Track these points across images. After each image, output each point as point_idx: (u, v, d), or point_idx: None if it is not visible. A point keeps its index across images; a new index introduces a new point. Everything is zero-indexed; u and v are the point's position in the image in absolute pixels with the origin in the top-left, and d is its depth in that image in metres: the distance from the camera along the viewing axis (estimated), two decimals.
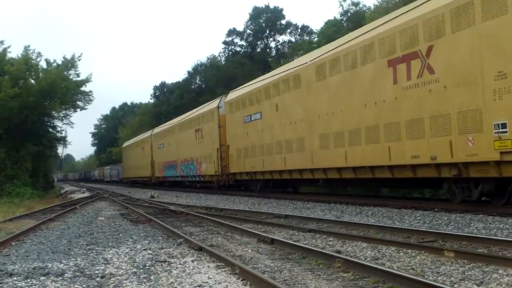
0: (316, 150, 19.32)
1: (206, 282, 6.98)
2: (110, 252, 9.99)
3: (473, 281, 6.31)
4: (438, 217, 12.92)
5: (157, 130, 50.18)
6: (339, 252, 8.77)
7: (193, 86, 74.29)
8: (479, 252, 8.06)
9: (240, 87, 30.19)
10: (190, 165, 36.81)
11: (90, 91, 43.88)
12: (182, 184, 42.25)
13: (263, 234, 11.06)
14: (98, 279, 7.49)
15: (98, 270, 8.12)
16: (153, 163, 48.69)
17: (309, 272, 7.32)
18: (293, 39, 68.50)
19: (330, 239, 10.55)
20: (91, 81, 43.16)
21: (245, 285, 6.77)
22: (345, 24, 44.67)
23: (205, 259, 8.78)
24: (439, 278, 6.63)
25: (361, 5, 45.99)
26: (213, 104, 32.68)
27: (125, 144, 67.68)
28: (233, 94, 29.81)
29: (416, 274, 6.83)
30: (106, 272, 7.90)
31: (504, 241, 8.65)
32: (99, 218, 17.82)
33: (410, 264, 7.57)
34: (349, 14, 45.68)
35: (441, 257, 7.91)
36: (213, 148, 31.20)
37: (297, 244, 9.48)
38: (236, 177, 28.81)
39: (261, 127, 24.53)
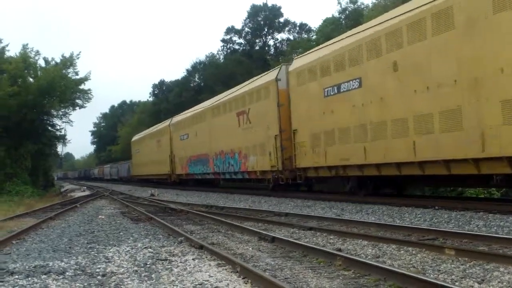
0: (496, 126, 11.92)
1: (207, 281, 6.98)
2: (111, 250, 10.00)
3: (474, 279, 6.33)
4: (439, 215, 12.93)
5: (178, 118, 41.78)
6: (340, 250, 8.79)
7: (192, 84, 74.32)
8: (480, 250, 8.06)
9: (315, 48, 22.37)
10: (229, 159, 28.82)
11: (89, 89, 43.91)
12: (215, 183, 36.73)
13: (263, 232, 11.06)
14: (99, 277, 7.49)
15: (99, 268, 8.13)
16: (172, 157, 41.15)
17: (310, 270, 7.33)
18: (291, 37, 68.55)
19: (331, 237, 10.56)
20: (90, 79, 43.23)
21: (246, 283, 6.78)
22: (343, 22, 44.69)
23: (206, 257, 8.79)
24: (440, 276, 6.64)
25: (359, 3, 46.06)
26: (269, 76, 24.55)
27: (135, 137, 60.08)
28: (304, 59, 21.21)
29: (417, 272, 6.84)
30: (107, 271, 7.91)
31: (505, 239, 8.67)
32: (100, 216, 17.83)
33: (411, 262, 7.58)
34: (347, 12, 45.71)
35: (442, 255, 7.92)
36: (268, 136, 23.49)
37: (298, 242, 9.49)
38: (307, 173, 21.06)
39: (360, 100, 16.77)
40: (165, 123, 45.02)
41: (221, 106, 30.21)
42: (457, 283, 6.16)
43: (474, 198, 18.40)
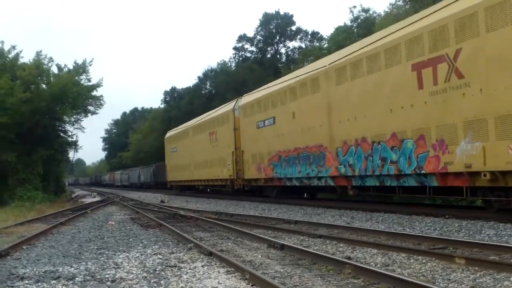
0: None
1: (216, 287, 6.99)
2: (120, 256, 10.03)
3: None
4: (449, 223, 12.86)
5: (249, 97, 28.90)
6: (349, 258, 8.76)
7: (203, 92, 74.45)
8: (490, 259, 8.01)
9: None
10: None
11: (101, 96, 44.07)
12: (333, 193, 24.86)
13: (273, 239, 11.04)
14: (108, 283, 7.52)
15: (108, 274, 8.16)
16: (239, 155, 29.00)
17: (319, 278, 7.31)
18: (303, 45, 68.50)
19: (340, 245, 10.53)
20: (102, 85, 43.38)
21: None
22: (355, 30, 44.66)
23: (215, 264, 8.79)
24: (450, 285, 6.60)
25: (371, 12, 46.01)
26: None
27: (171, 133, 48.92)
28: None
29: (427, 281, 6.80)
30: (116, 277, 7.93)
31: None
32: (110, 222, 17.88)
33: (421, 271, 7.54)
34: (359, 20, 45.69)
35: (452, 264, 7.87)
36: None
37: (307, 250, 9.47)
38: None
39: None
40: (228, 106, 32.38)
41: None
42: None
43: (483, 207, 18.23)
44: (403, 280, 6.42)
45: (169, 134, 49.18)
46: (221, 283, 7.21)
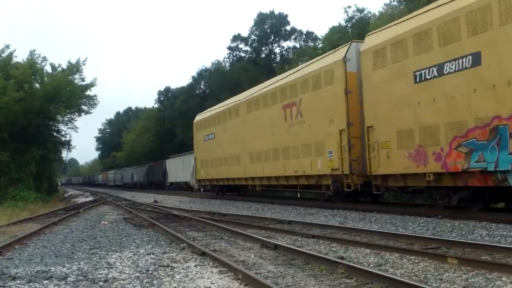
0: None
1: (209, 287, 6.98)
2: (113, 256, 10.00)
3: None
4: (442, 223, 12.90)
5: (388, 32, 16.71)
6: (342, 258, 8.77)
7: (197, 91, 74.41)
8: (482, 259, 8.04)
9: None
10: None
11: (95, 95, 43.90)
12: None
13: (266, 239, 11.05)
14: (101, 283, 7.49)
15: (101, 274, 8.13)
16: (355, 135, 18.24)
17: (312, 278, 7.31)
18: (297, 45, 68.54)
19: (333, 245, 10.55)
20: (95, 85, 43.22)
21: None
22: (350, 30, 44.75)
23: (208, 264, 8.78)
24: (442, 285, 6.62)
25: (366, 12, 46.11)
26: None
27: (204, 114, 36.04)
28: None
29: (419, 280, 6.82)
30: (109, 276, 7.91)
31: (508, 248, 8.64)
32: (103, 222, 17.83)
33: (413, 271, 7.56)
34: (353, 20, 45.77)
35: (444, 264, 7.89)
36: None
37: (300, 249, 9.48)
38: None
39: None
40: (323, 59, 20.86)
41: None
42: None
43: None
44: (396, 280, 6.43)
45: (201, 116, 36.17)
46: (214, 283, 7.20)
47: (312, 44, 63.97)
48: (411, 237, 10.65)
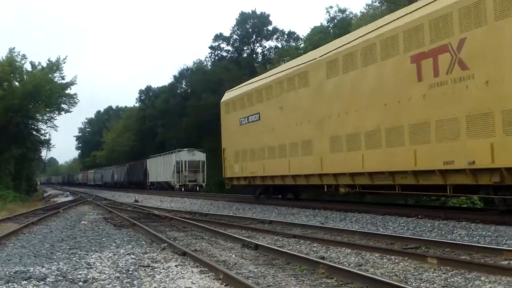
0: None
1: (190, 287, 6.95)
2: (93, 256, 9.92)
3: None
4: (422, 223, 12.99)
5: None
6: (323, 258, 8.79)
7: (179, 91, 74.17)
8: (461, 259, 8.11)
9: None
10: None
11: (75, 94, 43.71)
12: None
13: (247, 239, 11.04)
14: (80, 283, 7.42)
15: (80, 274, 8.06)
16: None
17: (292, 278, 7.32)
18: (279, 45, 68.67)
19: (314, 245, 10.57)
20: (76, 83, 43.04)
21: None
22: (331, 30, 44.90)
23: (189, 264, 8.74)
24: (422, 284, 6.66)
25: (347, 12, 46.30)
26: None
27: (237, 90, 27.36)
28: None
29: (399, 280, 6.85)
30: (88, 277, 7.84)
31: (487, 248, 8.74)
32: (82, 222, 17.69)
33: (394, 271, 7.60)
34: (335, 21, 45.94)
35: (424, 264, 7.95)
36: None
37: (281, 249, 9.48)
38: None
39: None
40: None
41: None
42: None
43: (457, 207, 18.50)
44: (376, 279, 6.46)
45: (234, 93, 27.31)
46: (194, 283, 7.18)
47: (294, 44, 64.12)
48: (392, 237, 10.72)
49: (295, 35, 68.58)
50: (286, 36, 69.74)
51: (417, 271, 7.51)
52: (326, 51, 18.48)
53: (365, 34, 16.27)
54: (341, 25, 43.40)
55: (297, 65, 20.48)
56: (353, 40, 16.81)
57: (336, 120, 17.30)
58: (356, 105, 16.26)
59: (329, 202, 20.66)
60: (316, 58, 18.82)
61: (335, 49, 17.76)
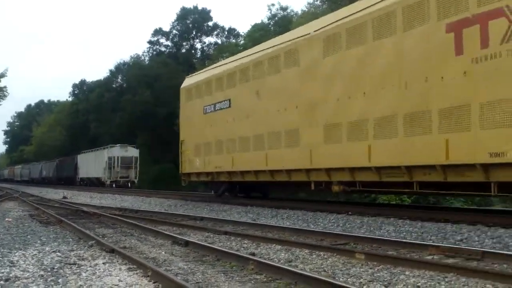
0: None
1: (117, 285, 6.79)
2: (16, 254, 9.54)
3: (381, 282, 6.47)
4: (351, 220, 13.23)
5: None
6: (253, 254, 8.79)
7: (114, 85, 72.78)
8: (388, 254, 8.29)
9: None
10: None
11: (5, 87, 42.16)
12: None
13: (177, 236, 10.92)
14: (1, 282, 7.12)
15: (2, 273, 7.72)
16: None
17: (222, 274, 7.28)
18: (219, 41, 68.47)
19: (245, 241, 10.57)
20: (6, 75, 41.50)
21: None
22: (272, 28, 45.16)
23: (117, 261, 8.55)
24: (349, 279, 6.75)
25: (289, 10, 46.66)
26: None
27: (200, 75, 24.42)
28: None
29: (328, 276, 6.93)
30: (11, 275, 7.53)
31: (412, 243, 8.98)
32: (7, 219, 17.02)
33: (322, 266, 7.68)
34: (276, 18, 46.22)
35: (352, 259, 8.07)
36: None
37: (211, 246, 9.43)
38: None
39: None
40: None
41: None
42: (365, 287, 6.28)
43: (386, 204, 18.98)
44: (305, 275, 6.51)
45: (197, 78, 24.31)
46: (122, 281, 7.02)
47: (234, 40, 64.09)
48: (321, 233, 10.86)
49: (235, 32, 68.62)
50: (226, 33, 69.63)
51: (345, 266, 7.62)
52: (322, 25, 15.74)
53: (380, 1, 13.54)
54: (282, 22, 43.71)
55: (282, 43, 17.52)
56: (361, 10, 14.11)
57: (334, 106, 14.68)
58: (363, 87, 13.70)
59: (260, 199, 20.68)
60: (309, 34, 16.09)
61: (335, 22, 15.10)
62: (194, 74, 25.96)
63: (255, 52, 19.42)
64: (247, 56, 20.17)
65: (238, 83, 19.58)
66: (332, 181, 15.15)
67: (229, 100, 20.18)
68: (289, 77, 16.66)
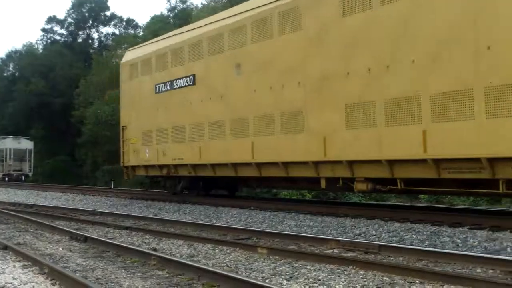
0: None
1: (11, 283, 6.46)
2: None
3: (283, 276, 6.56)
4: (254, 215, 13.35)
5: None
6: (155, 249, 8.67)
7: (5, 74, 69.17)
8: (290, 248, 8.42)
9: None
10: None
11: None
12: None
13: (76, 231, 10.56)
14: None
15: None
16: None
17: (123, 270, 7.11)
18: (117, 32, 66.75)
19: (147, 236, 10.40)
20: None
21: (54, 285, 6.39)
22: (172, 20, 44.75)
23: (11, 258, 8.16)
24: (251, 274, 6.79)
25: (188, 3, 46.43)
26: None
27: (149, 47, 20.13)
28: None
29: (230, 270, 6.94)
30: None
31: (313, 238, 9.18)
32: None
33: (225, 261, 7.68)
34: (176, 10, 45.86)
35: (254, 254, 8.14)
36: None
37: (111, 241, 9.22)
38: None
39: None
40: None
41: None
42: (267, 281, 6.33)
43: (287, 199, 19.31)
44: (207, 270, 6.49)
45: (145, 50, 20.19)
46: (16, 279, 6.69)
47: (132, 31, 62.79)
48: (224, 228, 10.88)
49: (134, 23, 67.09)
50: (124, 23, 67.96)
51: (248, 261, 7.66)
52: None
53: None
54: (182, 15, 43.42)
55: (274, 1, 13.81)
56: None
57: (362, 79, 11.41)
58: (411, 52, 10.48)
59: (163, 193, 20.40)
60: None
61: None
62: (140, 45, 21.76)
63: (232, 15, 15.54)
64: (219, 20, 16.16)
65: (207, 54, 15.99)
66: (355, 177, 11.91)
67: (193, 76, 16.52)
68: (286, 45, 13.26)
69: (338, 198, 20.09)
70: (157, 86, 18.29)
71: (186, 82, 16.84)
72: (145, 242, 9.73)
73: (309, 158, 12.60)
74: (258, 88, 14.09)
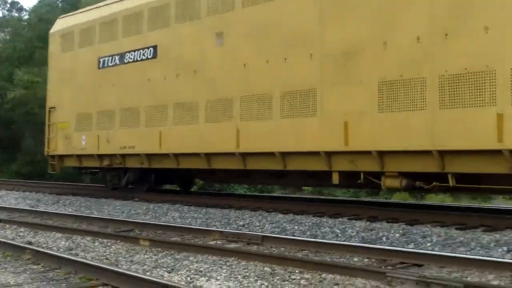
0: None
1: None
2: None
3: (164, 268, 6.44)
4: (137, 206, 13.10)
5: None
6: (30, 243, 8.26)
7: None
8: (172, 240, 8.32)
9: None
10: None
11: None
12: None
13: None
14: None
15: None
16: None
17: None
18: (0, 14, 62.99)
19: (21, 229, 9.88)
20: None
21: None
22: (60, 5, 43.20)
23: None
24: (132, 266, 6.62)
25: None
26: None
27: (91, 13, 16.73)
28: None
29: (110, 263, 6.72)
30: None
31: (196, 229, 9.15)
32: None
33: (105, 254, 7.45)
34: None
35: (136, 246, 7.96)
36: None
37: None
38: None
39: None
40: None
41: None
42: (148, 273, 6.19)
43: (172, 191, 19.08)
44: (86, 263, 6.25)
45: (83, 17, 16.92)
46: None
47: (17, 15, 59.55)
48: (105, 220, 10.62)
49: (19, 5, 63.56)
50: (8, 5, 64.23)
51: (129, 253, 7.47)
52: None
53: None
54: (71, 0, 41.99)
55: None
56: None
57: (404, 51, 9.30)
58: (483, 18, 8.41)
59: (41, 186, 19.51)
60: None
61: None
62: (77, 12, 18.24)
63: None
64: None
65: (174, 21, 13.46)
66: (384, 171, 9.81)
67: (154, 47, 13.94)
68: (291, 9, 10.92)
69: (223, 190, 20.20)
70: (101, 60, 15.42)
71: (144, 55, 14.17)
72: (20, 235, 9.24)
73: (323, 147, 10.31)
74: (250, 61, 11.64)
